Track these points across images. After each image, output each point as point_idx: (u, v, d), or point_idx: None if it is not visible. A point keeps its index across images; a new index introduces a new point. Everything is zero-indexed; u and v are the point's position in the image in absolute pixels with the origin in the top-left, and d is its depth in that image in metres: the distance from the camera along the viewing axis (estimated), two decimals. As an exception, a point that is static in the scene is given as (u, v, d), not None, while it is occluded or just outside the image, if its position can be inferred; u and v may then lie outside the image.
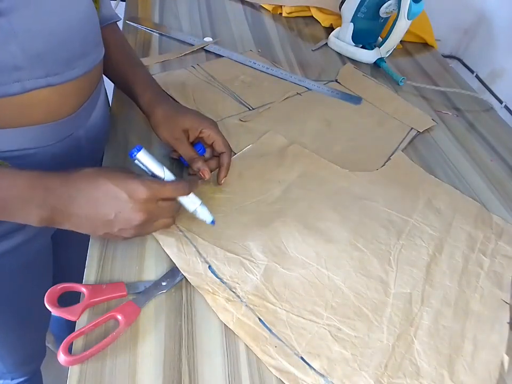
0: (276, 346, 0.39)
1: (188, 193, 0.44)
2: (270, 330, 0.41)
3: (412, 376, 0.39)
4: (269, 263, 0.46)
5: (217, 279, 0.43)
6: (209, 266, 0.44)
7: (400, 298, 0.46)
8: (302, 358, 0.39)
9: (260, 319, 0.41)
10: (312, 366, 0.39)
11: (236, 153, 0.60)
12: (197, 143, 0.55)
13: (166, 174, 0.44)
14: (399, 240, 0.52)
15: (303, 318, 0.42)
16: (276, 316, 0.42)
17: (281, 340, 0.40)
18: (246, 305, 0.42)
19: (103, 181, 0.39)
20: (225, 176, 0.54)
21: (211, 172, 0.53)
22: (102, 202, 0.38)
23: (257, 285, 0.44)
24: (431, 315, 0.45)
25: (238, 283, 0.43)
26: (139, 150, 0.43)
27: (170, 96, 0.68)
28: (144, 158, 0.44)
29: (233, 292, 0.43)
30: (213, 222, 0.46)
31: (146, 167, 0.44)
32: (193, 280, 0.43)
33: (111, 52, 0.56)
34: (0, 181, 0.37)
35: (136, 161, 0.44)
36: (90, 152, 0.54)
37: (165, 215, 0.42)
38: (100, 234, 0.40)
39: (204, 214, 0.46)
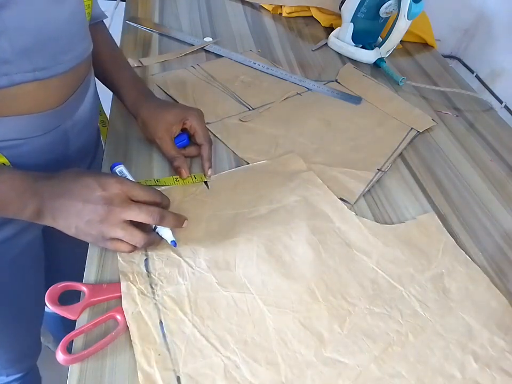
0: (159, 354, 0.37)
1: (159, 201, 0.44)
2: (164, 336, 0.38)
3: None
4: (207, 273, 0.43)
5: (145, 271, 0.43)
6: (146, 259, 0.44)
7: (331, 366, 0.38)
8: (177, 378, 0.35)
9: (161, 321, 0.39)
10: None
11: (248, 163, 0.58)
12: (181, 134, 0.56)
13: None
14: (370, 306, 0.44)
15: (206, 340, 0.38)
16: (180, 326, 0.39)
17: (169, 351, 0.37)
18: (155, 304, 0.40)
19: (83, 176, 0.41)
20: (210, 167, 0.55)
21: (192, 157, 0.55)
22: (75, 192, 0.40)
23: (180, 290, 0.42)
24: None
25: (162, 281, 0.42)
26: (118, 165, 0.50)
27: (170, 97, 0.68)
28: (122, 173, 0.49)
29: (152, 287, 0.41)
30: (173, 242, 0.44)
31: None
32: (122, 266, 0.43)
33: (97, 52, 0.56)
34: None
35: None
36: (78, 144, 0.55)
37: (133, 213, 0.41)
38: (72, 230, 0.41)
39: (166, 233, 0.44)
